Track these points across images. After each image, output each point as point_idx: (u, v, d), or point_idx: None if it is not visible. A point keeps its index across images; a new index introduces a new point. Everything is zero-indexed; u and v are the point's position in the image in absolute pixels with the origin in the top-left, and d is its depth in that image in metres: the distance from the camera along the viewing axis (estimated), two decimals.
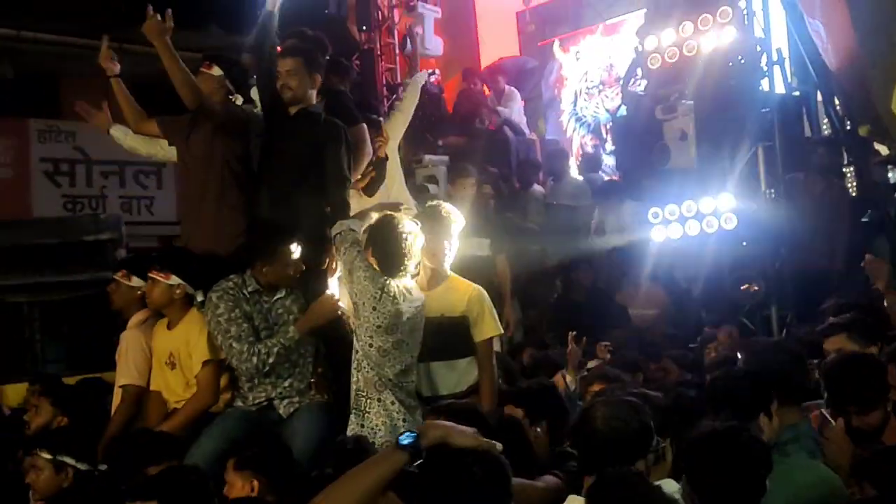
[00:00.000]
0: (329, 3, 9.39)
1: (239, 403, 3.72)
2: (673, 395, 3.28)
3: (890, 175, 6.71)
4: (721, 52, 5.84)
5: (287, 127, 4.07)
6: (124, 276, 4.02)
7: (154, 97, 4.33)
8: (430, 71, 9.54)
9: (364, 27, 9.75)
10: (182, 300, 3.80)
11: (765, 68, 5.99)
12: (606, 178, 8.38)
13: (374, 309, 3.45)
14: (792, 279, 5.76)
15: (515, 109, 8.75)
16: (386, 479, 1.78)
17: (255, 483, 2.92)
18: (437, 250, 3.76)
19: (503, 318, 4.14)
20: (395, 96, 8.99)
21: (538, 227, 7.33)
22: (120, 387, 3.88)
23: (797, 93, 6.66)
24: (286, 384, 3.70)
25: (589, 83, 9.51)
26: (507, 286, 5.57)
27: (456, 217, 3.80)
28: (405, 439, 1.80)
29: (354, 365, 3.52)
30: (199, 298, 3.80)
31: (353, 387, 3.51)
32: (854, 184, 6.60)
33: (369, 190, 4.64)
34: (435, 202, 3.96)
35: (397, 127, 5.37)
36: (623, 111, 8.35)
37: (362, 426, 3.43)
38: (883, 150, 6.49)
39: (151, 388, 3.83)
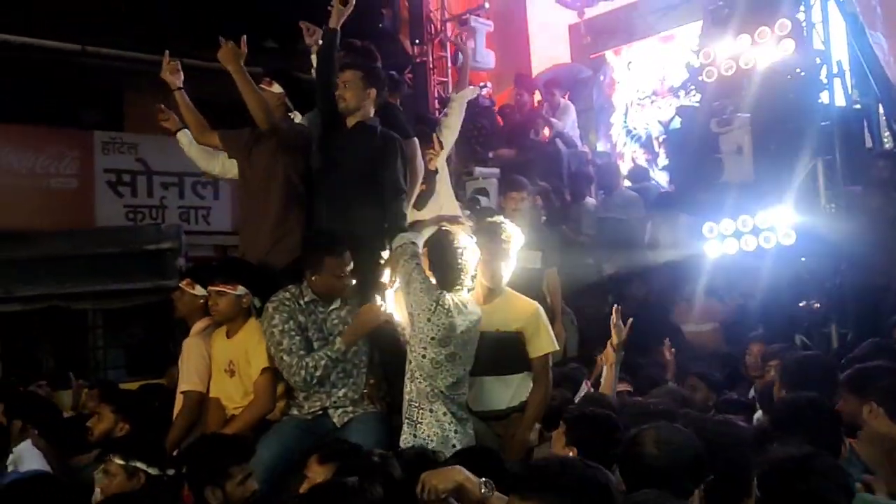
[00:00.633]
0: (383, 17, 9.51)
1: (294, 412, 3.77)
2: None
3: None
4: (779, 65, 5.78)
5: (344, 140, 4.11)
6: (189, 284, 4.10)
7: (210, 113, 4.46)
8: (481, 84, 9.61)
9: (417, 41, 9.86)
10: (244, 309, 3.87)
11: (825, 81, 5.89)
12: (660, 190, 8.29)
13: (429, 320, 3.48)
14: (852, 296, 5.62)
15: (569, 122, 8.73)
16: None
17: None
18: (495, 270, 3.78)
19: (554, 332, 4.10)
20: (444, 111, 9.07)
21: (590, 240, 7.28)
22: (181, 392, 3.94)
23: (858, 105, 6.52)
24: (340, 394, 3.73)
25: (640, 94, 9.44)
26: (557, 300, 5.55)
27: (515, 237, 3.80)
28: None
29: (408, 375, 3.54)
30: (257, 305, 3.87)
31: (406, 397, 3.53)
32: None
33: (419, 203, 4.68)
34: (495, 218, 3.97)
35: (445, 141, 5.41)
36: (677, 123, 8.27)
37: (415, 436, 3.45)
38: None
39: (211, 394, 3.90)
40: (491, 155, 8.68)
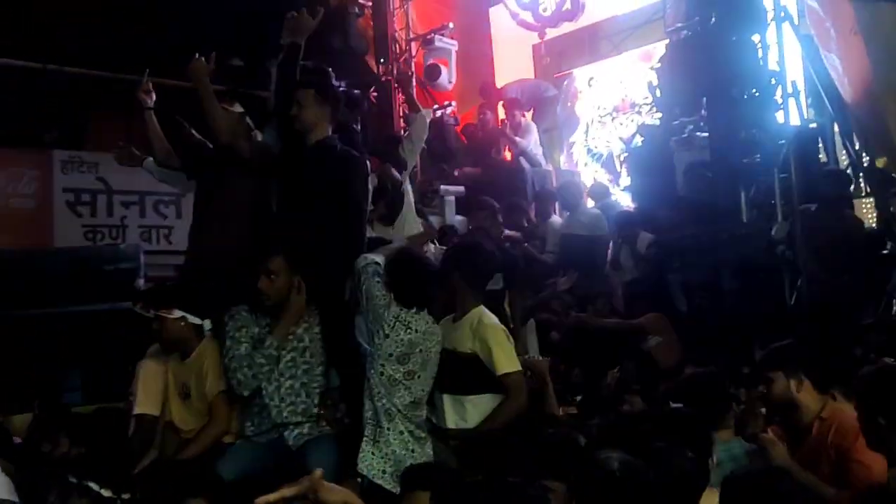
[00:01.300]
0: (349, 35, 9.55)
1: (248, 433, 3.72)
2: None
3: None
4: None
5: (304, 159, 4.09)
6: (143, 307, 4.02)
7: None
8: (445, 103, 9.68)
9: (382, 59, 9.91)
10: (191, 331, 3.83)
11: (780, 101, 6.00)
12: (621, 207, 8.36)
13: (388, 336, 3.48)
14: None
15: (532, 141, 8.80)
16: None
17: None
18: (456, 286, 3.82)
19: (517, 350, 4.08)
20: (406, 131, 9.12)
21: (554, 258, 7.32)
22: (135, 416, 3.90)
23: (814, 125, 6.66)
24: (287, 411, 3.66)
25: (602, 111, 9.52)
26: (517, 320, 5.53)
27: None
28: None
29: (366, 393, 3.55)
30: (208, 328, 3.84)
31: (365, 415, 3.52)
32: (874, 215, 6.56)
33: (388, 219, 4.67)
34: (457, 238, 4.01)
35: (408, 160, 5.45)
36: (638, 141, 8.38)
37: (373, 454, 3.45)
38: None
39: (166, 418, 3.86)
40: (456, 173, 8.73)
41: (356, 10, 9.71)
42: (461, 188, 8.24)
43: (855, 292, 5.55)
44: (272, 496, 1.77)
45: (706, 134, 6.18)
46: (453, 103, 9.80)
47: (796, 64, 6.50)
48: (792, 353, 3.29)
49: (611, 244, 7.12)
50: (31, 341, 5.66)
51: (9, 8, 8.29)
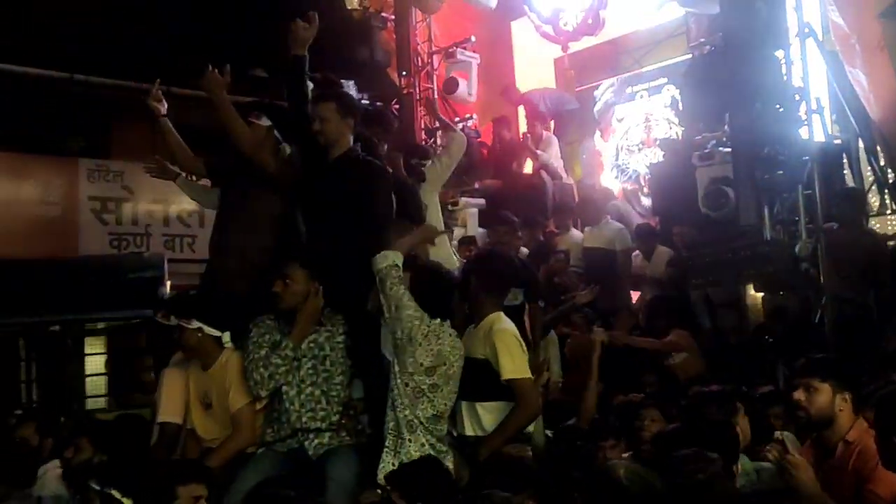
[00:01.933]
0: (373, 49, 9.61)
1: (268, 439, 3.72)
2: None
3: None
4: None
5: (327, 171, 4.08)
6: (164, 316, 4.00)
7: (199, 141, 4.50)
8: (467, 115, 9.71)
9: (404, 72, 9.96)
10: (211, 342, 3.83)
11: (804, 117, 5.96)
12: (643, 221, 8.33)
13: (420, 345, 3.48)
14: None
15: (553, 154, 8.80)
16: None
17: None
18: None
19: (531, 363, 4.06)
20: (433, 141, 9.15)
21: (577, 273, 7.29)
22: (158, 424, 3.91)
23: (838, 141, 6.61)
24: (306, 417, 3.66)
25: (629, 142, 9.53)
26: (537, 333, 5.50)
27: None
28: None
29: (389, 403, 3.54)
30: (227, 340, 3.84)
31: (386, 425, 3.52)
32: None
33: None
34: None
35: (438, 178, 5.49)
36: (659, 156, 8.36)
37: (394, 465, 3.42)
38: None
39: (188, 426, 3.87)
40: (477, 185, 8.74)
41: (379, 23, 9.79)
42: (482, 201, 8.26)
43: (881, 309, 5.49)
44: None
45: (729, 149, 6.15)
46: (474, 116, 9.83)
47: (821, 80, 6.45)
48: (838, 367, 3.18)
49: (634, 257, 7.12)
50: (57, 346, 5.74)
51: (36, 18, 8.44)
